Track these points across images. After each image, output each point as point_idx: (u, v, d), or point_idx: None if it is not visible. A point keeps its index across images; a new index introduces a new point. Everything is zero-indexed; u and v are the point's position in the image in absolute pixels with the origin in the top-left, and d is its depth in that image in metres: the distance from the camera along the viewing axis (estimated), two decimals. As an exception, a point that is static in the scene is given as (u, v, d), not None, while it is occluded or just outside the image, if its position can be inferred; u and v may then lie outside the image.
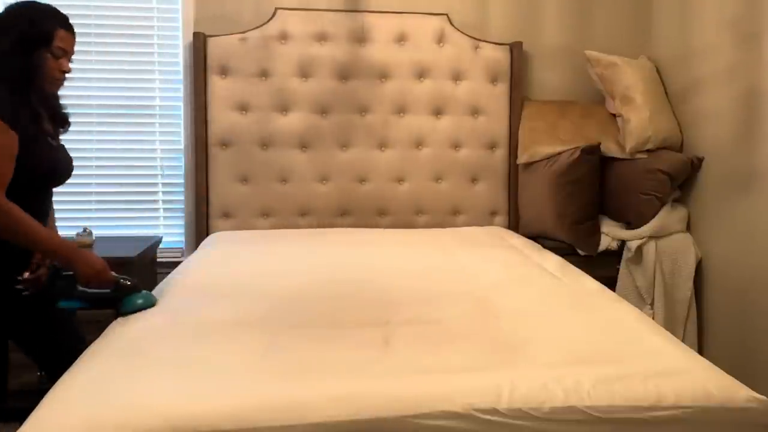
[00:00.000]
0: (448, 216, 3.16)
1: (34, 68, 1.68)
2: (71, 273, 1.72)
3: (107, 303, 1.81)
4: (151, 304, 1.80)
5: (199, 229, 2.99)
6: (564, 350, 1.50)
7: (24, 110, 1.66)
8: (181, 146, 3.07)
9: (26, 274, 1.75)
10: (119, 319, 1.73)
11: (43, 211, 1.78)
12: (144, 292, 1.83)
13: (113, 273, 1.77)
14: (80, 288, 1.73)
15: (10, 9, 1.73)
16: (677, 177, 2.78)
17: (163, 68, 3.11)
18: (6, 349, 1.83)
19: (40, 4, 1.76)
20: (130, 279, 1.80)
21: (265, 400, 1.24)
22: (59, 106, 1.84)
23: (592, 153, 2.79)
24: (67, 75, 1.77)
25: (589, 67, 3.05)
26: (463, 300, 1.88)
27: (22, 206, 1.61)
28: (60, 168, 1.81)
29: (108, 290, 1.76)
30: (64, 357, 1.56)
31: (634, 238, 2.77)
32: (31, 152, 1.65)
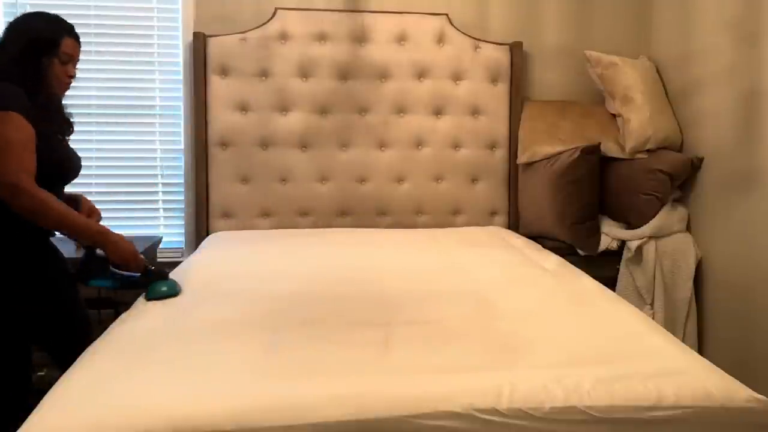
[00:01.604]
0: (448, 216, 3.16)
1: (43, 73, 1.80)
2: (104, 255, 1.83)
3: (136, 286, 1.90)
4: (175, 292, 1.90)
5: (199, 229, 3.00)
6: (564, 350, 1.50)
7: (36, 110, 1.74)
8: (181, 146, 3.07)
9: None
10: (143, 303, 1.84)
11: None
12: (170, 280, 1.93)
13: (144, 259, 1.89)
14: (112, 269, 1.85)
15: (20, 19, 1.86)
16: (677, 177, 2.78)
17: (163, 68, 3.11)
18: (28, 355, 1.87)
19: (47, 13, 1.89)
20: (158, 267, 1.95)
21: (265, 400, 1.24)
22: (63, 109, 1.93)
23: (592, 153, 2.79)
24: (72, 79, 1.90)
25: (589, 67, 3.05)
26: (463, 300, 1.88)
27: None
28: (72, 164, 1.91)
29: (137, 274, 1.87)
30: (75, 345, 1.63)
31: (634, 238, 2.77)
32: (44, 148, 1.74)
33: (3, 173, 1.64)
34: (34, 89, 1.77)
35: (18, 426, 1.19)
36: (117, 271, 1.86)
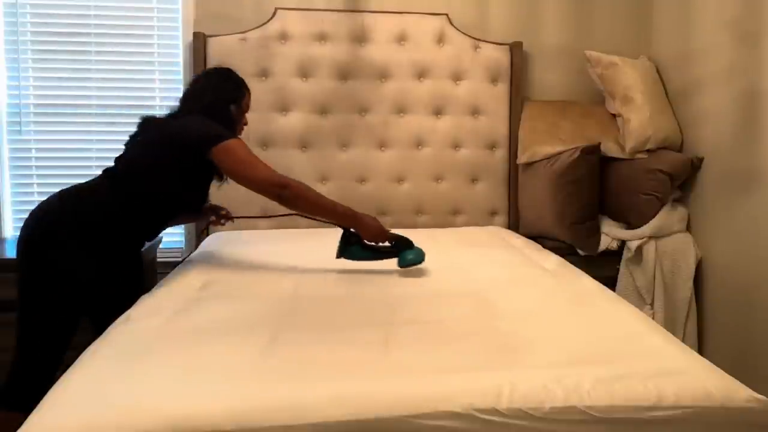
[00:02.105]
0: (448, 216, 3.16)
1: (239, 115, 2.24)
2: (357, 233, 2.13)
3: (388, 255, 2.16)
4: (421, 259, 2.13)
5: (199, 228, 2.99)
6: (564, 350, 1.49)
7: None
8: (181, 146, 3.07)
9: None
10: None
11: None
12: (417, 248, 2.14)
13: (391, 231, 2.15)
14: (366, 243, 2.14)
15: (228, 71, 2.26)
16: (677, 177, 2.78)
17: (163, 68, 3.11)
18: (73, 335, 1.97)
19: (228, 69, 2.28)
20: (405, 237, 2.15)
21: (265, 400, 1.24)
22: None
23: (592, 153, 2.79)
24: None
25: (589, 67, 3.05)
26: (463, 300, 1.88)
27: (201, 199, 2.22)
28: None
29: (389, 244, 2.14)
30: None
31: (634, 238, 2.77)
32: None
33: (266, 178, 2.04)
34: (234, 129, 2.20)
35: (27, 406, 1.24)
36: (370, 244, 2.14)
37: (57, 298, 1.90)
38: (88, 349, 1.52)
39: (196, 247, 2.82)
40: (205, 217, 2.49)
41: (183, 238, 3.10)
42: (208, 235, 2.73)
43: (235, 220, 2.50)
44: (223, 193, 2.98)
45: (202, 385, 1.30)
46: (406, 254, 2.13)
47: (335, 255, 2.17)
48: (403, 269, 2.13)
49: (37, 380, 1.84)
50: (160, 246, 2.99)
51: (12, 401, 1.86)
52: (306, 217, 2.19)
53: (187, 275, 2.14)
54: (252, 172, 2.04)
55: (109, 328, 1.67)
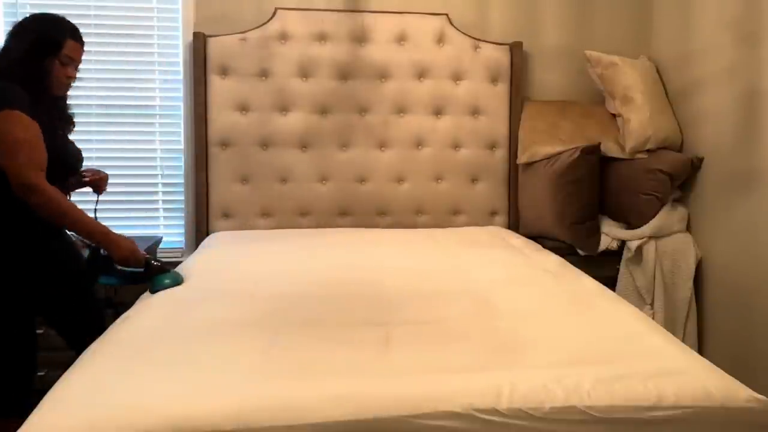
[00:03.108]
0: (448, 216, 3.16)
1: (44, 73, 1.88)
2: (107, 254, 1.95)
3: (140, 280, 2.00)
4: (177, 283, 2.00)
5: (199, 229, 3.00)
6: (564, 350, 1.50)
7: (37, 107, 1.82)
8: (181, 146, 3.07)
9: None
10: (144, 301, 1.89)
11: None
12: (172, 272, 2.04)
13: (145, 254, 2.00)
14: (117, 267, 1.96)
15: (25, 20, 1.94)
16: (677, 177, 2.78)
17: (163, 68, 3.11)
18: (34, 334, 1.95)
19: (52, 15, 1.97)
20: (159, 261, 2.04)
21: (265, 400, 1.24)
22: (65, 108, 2.02)
23: (592, 153, 2.79)
24: (73, 80, 1.97)
25: (589, 67, 3.05)
26: (463, 300, 1.88)
27: None
28: (74, 157, 2.03)
29: (141, 269, 1.98)
30: (91, 329, 1.77)
31: (634, 238, 2.77)
32: (47, 143, 1.82)
33: (18, 174, 1.73)
34: (37, 89, 1.84)
35: (20, 408, 1.25)
36: (120, 268, 1.96)
37: None
38: (88, 348, 1.53)
39: (196, 247, 2.83)
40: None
41: (183, 238, 3.10)
42: None
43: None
44: (223, 193, 3.01)
45: (202, 385, 1.30)
46: (162, 278, 2.00)
47: (83, 276, 2.02)
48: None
49: (14, 386, 1.85)
50: (160, 246, 2.99)
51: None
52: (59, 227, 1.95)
53: (186, 275, 2.14)
54: (9, 158, 1.73)
55: (109, 327, 1.67)
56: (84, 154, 2.56)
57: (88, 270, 2.01)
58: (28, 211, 1.80)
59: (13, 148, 1.72)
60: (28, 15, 1.97)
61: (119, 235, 1.96)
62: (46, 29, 1.90)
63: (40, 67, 1.86)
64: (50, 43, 1.88)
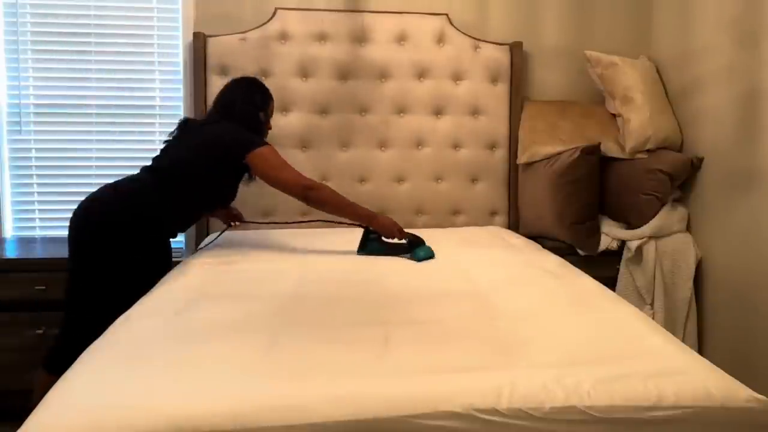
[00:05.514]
0: (448, 216, 3.16)
1: (266, 121, 2.53)
2: (376, 232, 2.42)
3: (403, 251, 2.41)
4: (431, 255, 2.38)
5: (199, 229, 2.99)
6: (564, 350, 1.49)
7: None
8: (181, 146, 3.07)
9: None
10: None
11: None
12: (427, 245, 2.40)
13: (405, 231, 2.43)
14: (384, 240, 2.43)
15: (254, 80, 2.57)
16: (677, 177, 2.78)
17: (163, 68, 3.11)
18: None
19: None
20: (417, 236, 2.43)
21: (265, 400, 1.24)
22: None
23: (592, 153, 2.79)
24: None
25: (589, 67, 3.05)
26: (463, 300, 1.88)
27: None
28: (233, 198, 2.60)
29: (404, 241, 2.41)
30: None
31: (634, 238, 2.77)
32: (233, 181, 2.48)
33: (295, 181, 2.36)
34: (263, 133, 2.52)
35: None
36: (387, 240, 2.42)
37: (108, 281, 2.16)
38: (88, 348, 1.53)
39: (196, 247, 2.83)
40: (221, 213, 2.73)
41: (183, 238, 3.09)
42: (230, 227, 2.82)
43: (243, 222, 2.79)
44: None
45: (202, 385, 1.30)
46: (419, 250, 2.37)
47: (356, 250, 2.43)
48: (418, 262, 2.34)
49: (83, 349, 1.88)
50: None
51: (57, 366, 1.87)
52: (328, 220, 2.51)
53: (187, 275, 2.14)
54: (282, 175, 2.36)
55: (109, 327, 1.67)
56: (84, 154, 2.66)
57: (363, 243, 2.43)
58: (180, 216, 2.38)
59: (281, 166, 2.37)
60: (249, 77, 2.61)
61: (384, 216, 2.50)
62: (266, 90, 2.54)
63: (266, 117, 2.53)
64: (268, 100, 2.53)
